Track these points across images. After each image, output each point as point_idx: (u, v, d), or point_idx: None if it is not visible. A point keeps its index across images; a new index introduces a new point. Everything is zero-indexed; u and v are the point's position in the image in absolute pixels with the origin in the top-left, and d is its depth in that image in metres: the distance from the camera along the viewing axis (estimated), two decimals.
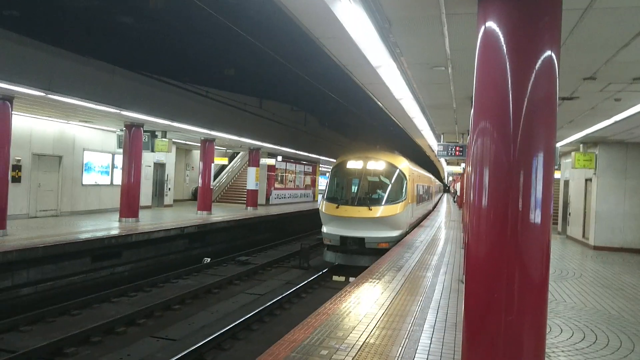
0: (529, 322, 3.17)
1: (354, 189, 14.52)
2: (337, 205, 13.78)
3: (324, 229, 14.14)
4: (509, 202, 3.16)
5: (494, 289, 3.21)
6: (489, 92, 3.30)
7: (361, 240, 13.37)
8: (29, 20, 17.73)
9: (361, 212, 13.44)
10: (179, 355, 7.14)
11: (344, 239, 13.54)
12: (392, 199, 14.01)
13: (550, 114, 3.19)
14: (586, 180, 15.70)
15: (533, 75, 3.11)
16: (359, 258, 13.43)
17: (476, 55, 3.40)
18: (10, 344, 7.73)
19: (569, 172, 17.87)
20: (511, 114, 3.14)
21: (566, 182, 18.75)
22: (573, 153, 14.68)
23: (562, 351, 5.48)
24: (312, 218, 22.57)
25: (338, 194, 14.72)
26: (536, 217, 3.15)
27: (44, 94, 10.85)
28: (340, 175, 15.01)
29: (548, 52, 3.12)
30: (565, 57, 5.42)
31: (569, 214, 17.77)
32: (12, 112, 11.58)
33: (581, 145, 14.66)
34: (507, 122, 3.15)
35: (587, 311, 7.27)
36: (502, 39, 3.17)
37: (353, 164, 14.65)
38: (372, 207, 13.53)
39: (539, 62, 3.10)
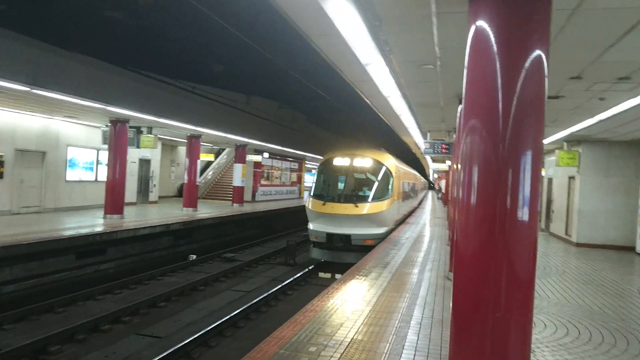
0: (515, 319, 3.21)
1: (341, 186, 14.52)
2: (323, 202, 13.78)
3: (310, 226, 14.13)
4: (498, 199, 3.19)
5: (481, 286, 3.24)
6: (479, 90, 3.32)
7: (347, 237, 13.37)
8: (14, 14, 17.45)
9: (347, 209, 13.46)
10: (165, 353, 7.11)
11: (330, 235, 13.53)
12: (379, 196, 14.05)
13: (538, 113, 3.23)
14: (569, 178, 15.92)
15: (522, 74, 3.13)
16: (345, 255, 13.45)
17: (466, 54, 3.42)
18: None
19: (553, 170, 18.09)
20: (500, 112, 3.16)
21: (550, 180, 18.99)
22: (557, 151, 14.87)
23: (547, 346, 5.56)
24: (298, 215, 22.57)
25: (325, 191, 14.70)
26: (524, 214, 3.18)
27: (29, 89, 10.67)
28: (326, 172, 15.01)
29: (537, 52, 3.15)
30: (553, 56, 5.46)
31: (552, 211, 18.01)
32: None
33: (565, 144, 14.84)
34: (497, 120, 3.18)
35: (570, 307, 7.39)
36: (492, 38, 3.19)
37: (340, 161, 14.66)
38: (359, 204, 13.54)
39: (529, 61, 3.13)
